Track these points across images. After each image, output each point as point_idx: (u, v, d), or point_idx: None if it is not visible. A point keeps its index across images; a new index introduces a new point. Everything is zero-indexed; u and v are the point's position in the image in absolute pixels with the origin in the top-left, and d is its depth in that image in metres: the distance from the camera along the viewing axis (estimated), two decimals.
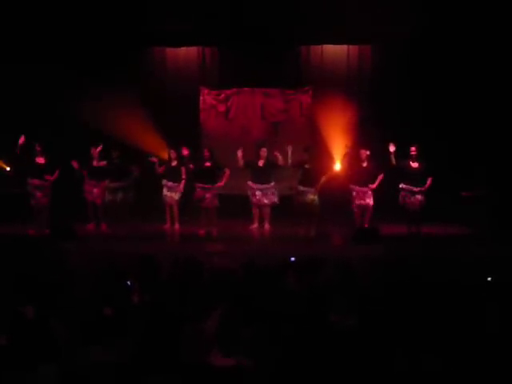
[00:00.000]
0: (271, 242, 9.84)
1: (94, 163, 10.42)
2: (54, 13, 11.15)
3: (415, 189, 9.82)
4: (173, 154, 10.59)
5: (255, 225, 10.69)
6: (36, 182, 9.98)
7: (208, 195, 10.27)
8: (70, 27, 11.54)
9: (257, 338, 3.55)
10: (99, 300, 4.26)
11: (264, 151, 10.49)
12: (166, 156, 10.92)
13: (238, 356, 3.43)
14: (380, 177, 10.05)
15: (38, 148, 9.96)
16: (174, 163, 10.55)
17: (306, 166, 10.18)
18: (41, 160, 10.00)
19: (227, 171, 10.45)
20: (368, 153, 10.11)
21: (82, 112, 11.63)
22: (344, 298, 4.46)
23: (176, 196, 10.54)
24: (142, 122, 12.03)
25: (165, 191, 10.57)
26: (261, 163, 10.50)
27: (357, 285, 5.01)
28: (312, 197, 10.10)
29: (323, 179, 10.13)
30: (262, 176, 10.46)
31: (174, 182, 10.54)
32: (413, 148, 9.81)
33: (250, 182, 10.58)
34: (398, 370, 3.30)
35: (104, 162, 10.48)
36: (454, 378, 3.26)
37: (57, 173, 10.06)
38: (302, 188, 10.22)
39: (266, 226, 10.66)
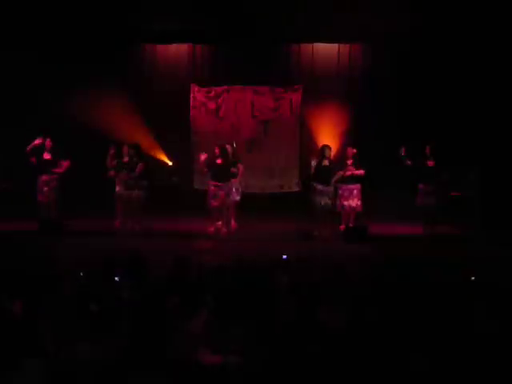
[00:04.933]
0: (261, 240, 9.75)
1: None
2: (45, 9, 11.06)
3: (432, 187, 9.85)
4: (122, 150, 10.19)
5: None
6: (45, 177, 10.12)
7: (221, 193, 9.77)
8: (60, 24, 11.48)
9: (245, 336, 3.54)
10: (87, 296, 4.23)
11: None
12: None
13: (226, 353, 3.41)
14: (361, 171, 9.94)
15: (47, 145, 10.05)
16: (126, 159, 10.19)
17: (325, 164, 9.83)
18: (47, 156, 10.11)
19: (241, 167, 10.06)
20: (355, 151, 10.09)
21: (71, 108, 11.59)
22: (333, 297, 4.45)
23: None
24: (131, 119, 12.01)
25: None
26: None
27: (346, 283, 5.01)
28: (327, 201, 9.81)
29: (336, 177, 9.91)
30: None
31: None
32: (428, 147, 9.89)
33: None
34: (387, 369, 3.30)
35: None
36: (441, 378, 3.26)
37: (65, 166, 10.13)
38: (320, 187, 9.81)
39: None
